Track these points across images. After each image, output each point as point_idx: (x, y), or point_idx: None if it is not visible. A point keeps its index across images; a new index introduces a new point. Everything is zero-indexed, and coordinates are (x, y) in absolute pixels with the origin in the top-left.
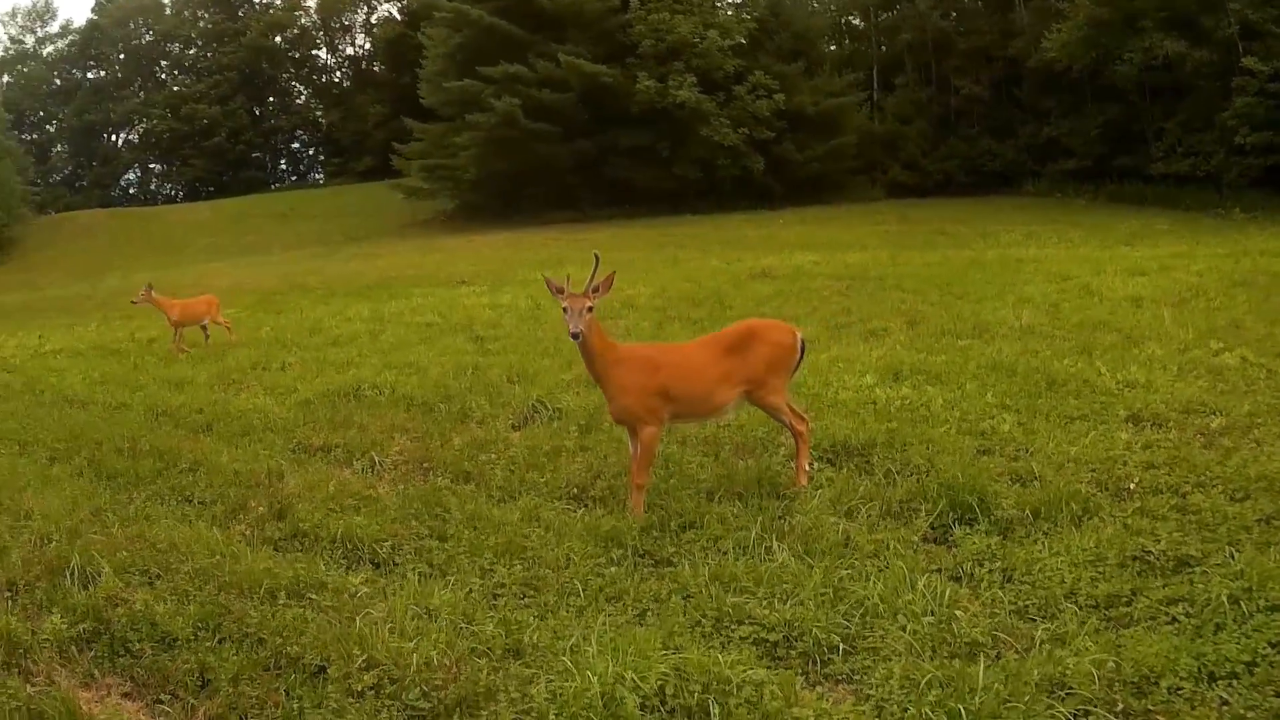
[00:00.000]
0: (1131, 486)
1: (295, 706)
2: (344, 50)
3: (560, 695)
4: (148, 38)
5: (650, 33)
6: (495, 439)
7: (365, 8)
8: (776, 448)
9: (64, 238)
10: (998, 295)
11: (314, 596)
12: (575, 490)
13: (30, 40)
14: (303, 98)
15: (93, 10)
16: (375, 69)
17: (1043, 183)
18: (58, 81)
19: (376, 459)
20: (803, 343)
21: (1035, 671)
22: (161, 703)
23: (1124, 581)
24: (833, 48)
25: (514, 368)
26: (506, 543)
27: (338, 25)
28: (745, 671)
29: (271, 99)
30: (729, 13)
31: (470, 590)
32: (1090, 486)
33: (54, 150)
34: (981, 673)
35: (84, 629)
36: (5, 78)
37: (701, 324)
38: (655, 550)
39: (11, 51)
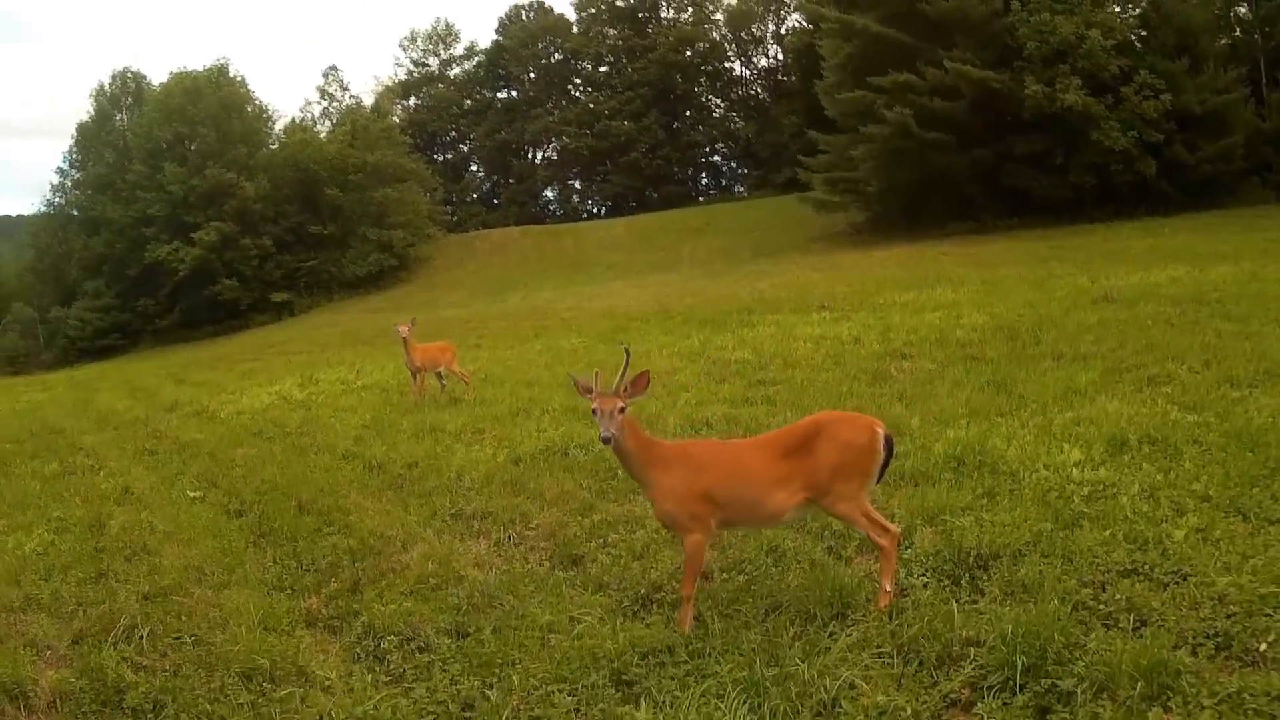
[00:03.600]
0: (1263, 648)
1: None
2: (758, 62)
3: None
4: (556, 56)
5: (1034, 35)
6: (640, 515)
7: (775, 18)
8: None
9: (475, 256)
10: None
11: (268, 685)
12: (652, 589)
13: (434, 63)
14: (719, 111)
15: (496, 31)
16: (789, 79)
17: None
18: (468, 102)
19: (512, 534)
20: (888, 440)
21: None
22: None
23: None
24: (1224, 41)
25: (753, 423)
26: (492, 653)
27: (748, 37)
28: None
29: (689, 113)
30: (1112, 8)
31: (397, 707)
32: (1209, 642)
33: (469, 170)
34: None
35: (80, 685)
36: (412, 100)
37: (992, 365)
38: (638, 680)
39: (416, 74)
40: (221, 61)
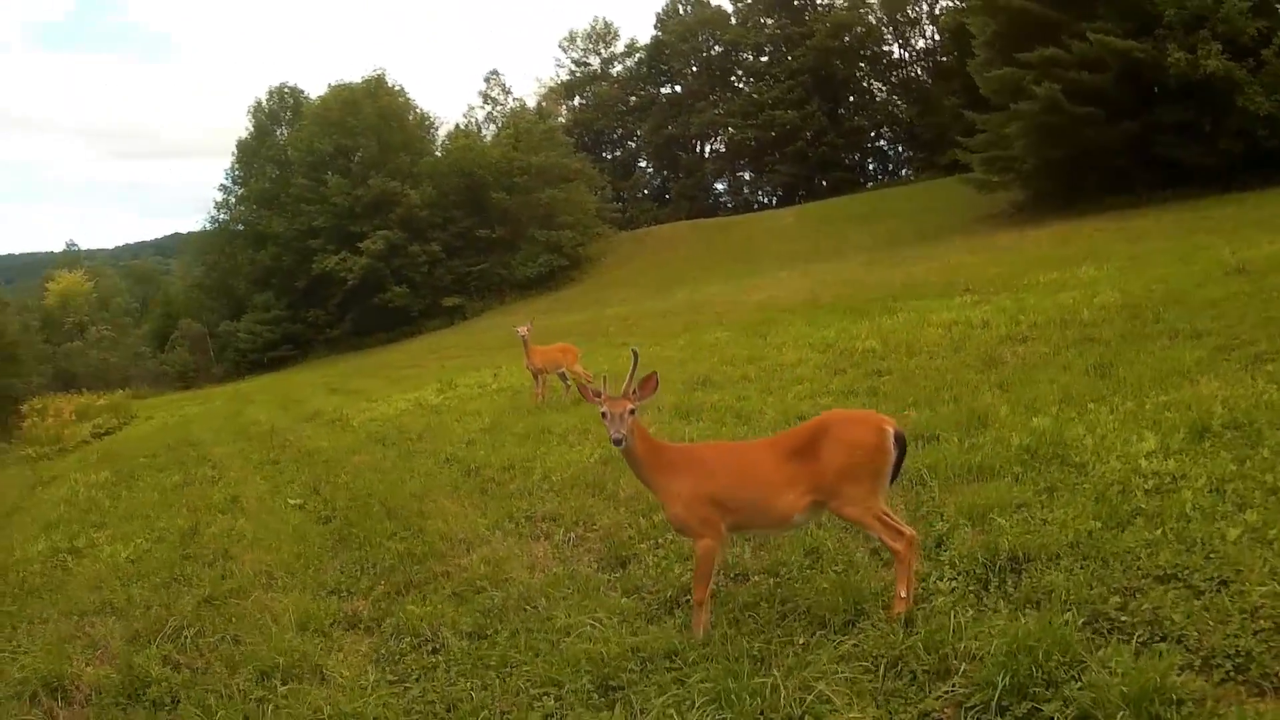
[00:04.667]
0: None
1: None
2: (915, 43)
3: None
4: (716, 49)
5: (1172, 1)
6: None
7: None
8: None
9: (644, 252)
10: None
11: (282, 683)
12: (682, 592)
13: (595, 62)
14: (881, 95)
15: (655, 27)
16: (946, 60)
17: None
18: (632, 99)
19: (574, 535)
20: (899, 438)
21: None
22: None
23: None
24: None
25: None
26: (499, 656)
27: (904, 18)
28: None
29: (850, 98)
30: None
31: (388, 705)
32: (1227, 662)
33: (638, 166)
34: None
35: (118, 679)
36: (577, 100)
37: (1104, 346)
38: (625, 685)
39: (578, 74)
40: (378, 72)
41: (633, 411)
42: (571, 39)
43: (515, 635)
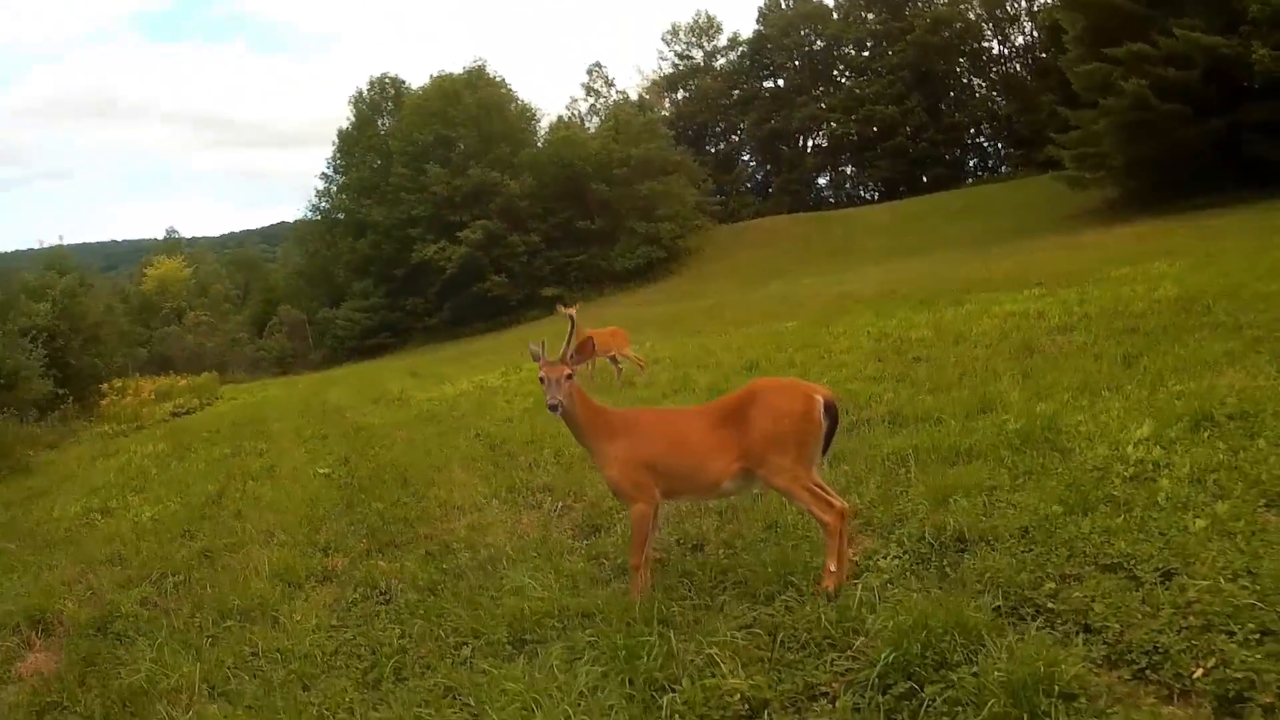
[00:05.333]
0: (1197, 674)
1: None
2: (1014, 39)
3: None
4: (819, 44)
5: None
6: None
7: None
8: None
9: (744, 245)
10: None
11: (234, 624)
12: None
13: (699, 55)
14: (980, 91)
15: (757, 21)
16: (1044, 56)
17: None
18: (735, 93)
19: (561, 504)
20: (829, 407)
21: None
22: None
23: None
24: None
25: (863, 396)
26: (437, 609)
27: (1003, 15)
28: None
29: (951, 94)
30: None
31: (320, 644)
32: (1143, 659)
33: (740, 160)
34: None
35: (95, 616)
36: (680, 92)
37: (1143, 337)
38: (536, 640)
39: (681, 66)
40: (479, 63)
41: (569, 376)
42: (674, 32)
43: (460, 593)
